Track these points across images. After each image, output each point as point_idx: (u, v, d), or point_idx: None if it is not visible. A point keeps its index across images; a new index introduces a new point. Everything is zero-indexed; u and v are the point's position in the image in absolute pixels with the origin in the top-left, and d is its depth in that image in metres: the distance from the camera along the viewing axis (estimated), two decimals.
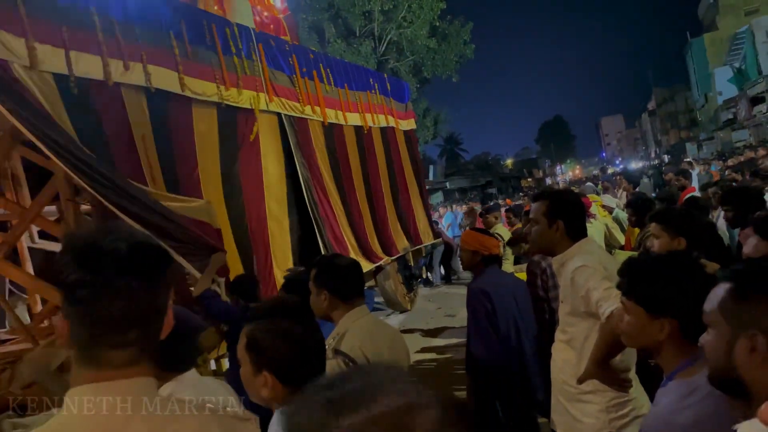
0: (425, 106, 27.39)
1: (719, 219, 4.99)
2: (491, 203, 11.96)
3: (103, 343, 1.05)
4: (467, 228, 6.86)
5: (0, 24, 3.48)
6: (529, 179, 48.75)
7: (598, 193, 9.60)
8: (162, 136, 4.70)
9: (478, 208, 12.81)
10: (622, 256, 4.19)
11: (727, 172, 8.08)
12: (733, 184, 6.45)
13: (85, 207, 4.48)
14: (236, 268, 5.12)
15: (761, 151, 13.06)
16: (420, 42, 23.73)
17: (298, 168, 6.67)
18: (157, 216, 3.95)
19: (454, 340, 7.53)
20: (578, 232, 2.65)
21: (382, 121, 9.36)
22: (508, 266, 6.03)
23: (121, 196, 3.81)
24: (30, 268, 5.28)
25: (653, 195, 8.79)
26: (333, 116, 7.68)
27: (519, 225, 6.68)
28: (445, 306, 10.27)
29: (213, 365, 4.87)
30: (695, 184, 10.66)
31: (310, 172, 6.89)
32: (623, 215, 6.59)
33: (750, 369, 1.16)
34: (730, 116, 38.84)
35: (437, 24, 24.13)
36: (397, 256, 8.86)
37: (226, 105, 5.51)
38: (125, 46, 4.36)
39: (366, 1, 22.19)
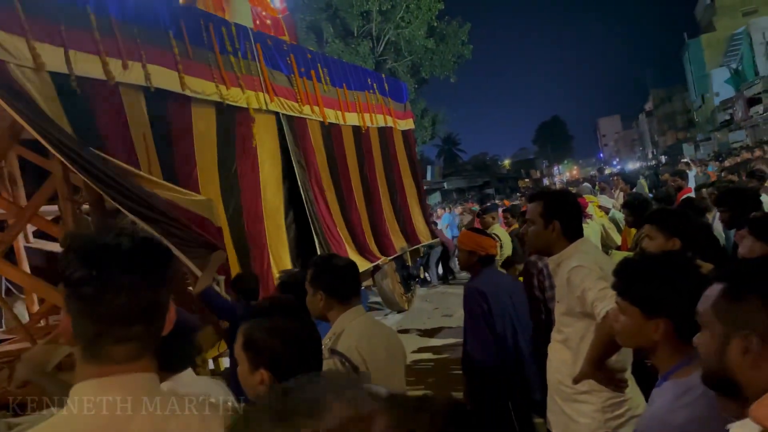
0: (423, 106, 27.39)
1: (715, 220, 5.00)
2: (489, 204, 11.98)
3: (108, 338, 1.06)
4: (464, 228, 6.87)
5: None
6: (527, 180, 48.80)
7: (595, 194, 9.62)
8: (161, 136, 4.71)
9: (475, 208, 12.84)
10: (619, 256, 4.20)
11: (723, 174, 8.09)
12: (729, 185, 6.46)
13: (83, 206, 4.48)
14: (234, 268, 5.13)
15: (758, 152, 13.09)
16: (418, 42, 23.73)
17: (295, 168, 6.67)
18: (158, 213, 3.96)
19: (451, 340, 7.54)
20: (575, 233, 2.65)
21: (380, 121, 9.37)
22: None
23: (122, 194, 3.82)
24: (26, 268, 5.28)
25: (650, 196, 8.80)
26: (331, 116, 7.68)
27: (516, 225, 6.69)
28: (442, 306, 10.28)
29: (211, 365, 4.88)
30: (692, 184, 10.69)
31: (307, 172, 6.89)
32: (620, 216, 6.60)
33: (743, 369, 1.16)
34: (727, 117, 38.94)
35: (435, 24, 24.13)
36: (395, 256, 8.87)
37: (225, 104, 5.52)
38: (124, 45, 4.36)
39: (364, 1, 22.17)
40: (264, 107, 6.18)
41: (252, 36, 6.25)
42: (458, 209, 16.93)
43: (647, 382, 2.21)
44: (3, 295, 5.27)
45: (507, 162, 70.22)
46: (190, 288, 4.43)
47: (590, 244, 2.82)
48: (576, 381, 2.37)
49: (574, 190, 10.93)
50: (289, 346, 1.59)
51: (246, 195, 5.75)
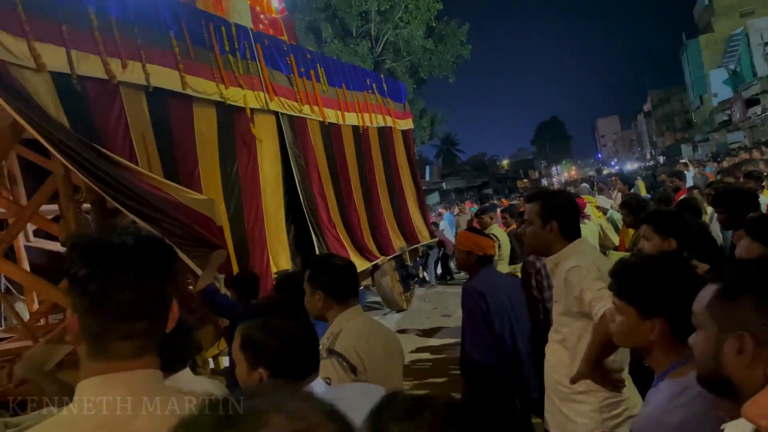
0: (422, 106, 27.42)
1: (713, 220, 5.01)
2: (488, 204, 12.00)
3: (113, 334, 1.07)
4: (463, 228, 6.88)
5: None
6: (525, 180, 48.78)
7: (593, 194, 9.64)
8: (163, 136, 4.73)
9: (474, 208, 12.85)
10: (616, 256, 4.21)
11: (719, 176, 8.11)
12: (726, 186, 6.46)
13: (84, 205, 4.49)
14: (235, 267, 5.15)
15: (756, 153, 13.11)
16: (417, 42, 23.75)
17: (294, 167, 6.69)
18: (158, 213, 3.97)
19: (449, 340, 7.55)
20: (572, 233, 2.66)
21: (379, 121, 9.39)
22: (503, 267, 6.05)
23: (122, 193, 3.82)
24: (26, 266, 5.30)
25: (647, 197, 8.82)
26: (331, 116, 7.70)
27: (514, 225, 6.71)
28: (440, 306, 10.29)
29: (211, 363, 4.89)
30: (690, 185, 10.71)
31: (307, 172, 6.91)
32: (617, 216, 6.62)
33: (738, 369, 1.17)
34: (725, 118, 38.98)
35: (434, 25, 24.15)
36: (393, 255, 8.89)
37: (225, 104, 5.54)
38: (125, 45, 4.37)
39: (363, 2, 22.18)
40: (264, 107, 6.20)
41: (252, 36, 6.27)
42: (455, 210, 16.95)
43: (644, 382, 2.22)
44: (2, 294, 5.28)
45: (505, 162, 70.26)
46: (191, 286, 4.44)
47: (588, 245, 2.83)
48: (573, 381, 2.38)
49: (572, 190, 10.95)
50: (286, 345, 1.60)
51: (246, 194, 5.78)
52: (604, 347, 2.19)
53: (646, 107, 74.00)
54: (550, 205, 2.67)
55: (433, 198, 29.19)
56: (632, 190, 11.14)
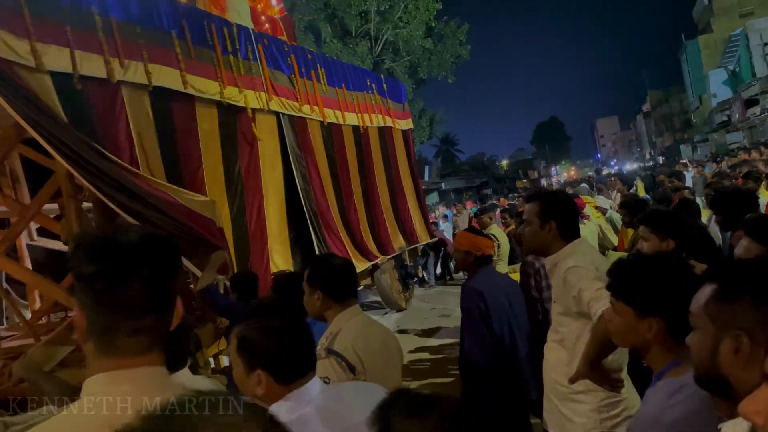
0: (421, 106, 27.42)
1: (711, 221, 5.01)
2: (488, 204, 12.00)
3: (121, 330, 1.08)
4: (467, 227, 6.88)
5: (3, 25, 3.50)
6: (525, 180, 48.77)
7: (592, 195, 9.65)
8: (165, 135, 4.75)
9: (475, 208, 12.85)
10: (615, 257, 4.21)
11: (715, 179, 8.12)
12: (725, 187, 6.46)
13: (86, 204, 4.50)
14: (236, 267, 5.16)
15: (755, 154, 13.12)
16: (416, 42, 23.73)
17: (294, 167, 6.70)
18: (158, 214, 3.97)
19: (448, 340, 7.55)
20: (571, 233, 2.67)
21: (379, 121, 9.41)
22: (502, 267, 6.06)
23: (122, 194, 3.83)
24: (29, 265, 5.32)
25: (646, 197, 8.83)
26: (331, 116, 7.72)
27: (513, 225, 6.72)
28: (439, 306, 10.29)
29: (212, 363, 4.89)
30: (689, 185, 10.72)
31: (307, 171, 6.93)
32: (616, 216, 6.62)
33: (735, 369, 1.17)
34: (725, 118, 39.00)
35: (433, 25, 24.12)
36: (393, 255, 8.90)
37: (227, 104, 5.56)
38: (128, 45, 4.39)
39: (362, 2, 22.17)
40: (265, 107, 6.22)
41: (253, 36, 6.30)
42: (453, 210, 16.98)
43: (643, 383, 2.22)
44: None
45: (505, 162, 70.23)
46: (192, 286, 4.45)
47: (587, 245, 2.83)
48: (572, 381, 2.38)
49: (571, 191, 10.97)
50: (283, 345, 1.59)
51: (249, 194, 5.81)
52: (603, 347, 2.19)
53: (646, 108, 74.06)
54: (549, 205, 2.67)
55: (432, 198, 29.21)
56: (631, 191, 11.15)
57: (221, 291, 4.73)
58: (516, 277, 4.50)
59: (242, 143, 5.84)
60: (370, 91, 9.19)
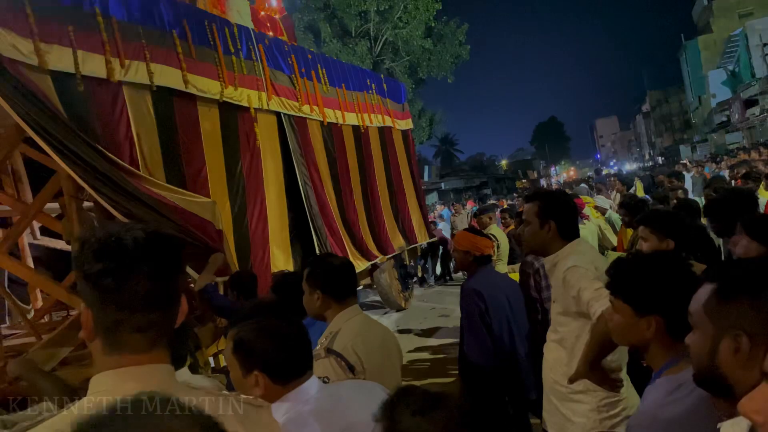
0: (420, 106, 27.43)
1: None
2: (488, 203, 12.01)
3: (127, 326, 1.09)
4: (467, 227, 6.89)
5: (6, 24, 3.51)
6: (524, 180, 48.77)
7: (592, 195, 9.65)
8: (168, 135, 4.76)
9: (476, 207, 12.85)
10: (615, 257, 4.22)
11: (706, 190, 8.10)
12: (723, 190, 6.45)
13: (87, 203, 4.51)
14: (236, 267, 5.16)
15: (754, 154, 13.13)
16: (415, 42, 23.74)
17: (296, 166, 6.72)
18: (156, 215, 3.98)
19: (448, 340, 7.56)
20: (570, 233, 2.67)
21: (379, 120, 9.42)
22: (501, 267, 6.06)
23: (120, 196, 3.83)
24: (30, 263, 5.33)
25: (646, 197, 8.84)
26: (331, 116, 7.74)
27: (512, 226, 6.72)
28: (439, 306, 10.30)
29: (212, 362, 4.89)
30: (689, 186, 10.73)
31: (307, 171, 6.94)
32: (616, 216, 6.64)
33: (734, 369, 1.17)
34: (724, 119, 38.99)
35: (433, 25, 24.14)
36: (393, 255, 8.90)
37: (228, 103, 5.58)
38: (129, 45, 4.41)
39: (362, 2, 22.18)
40: (265, 107, 6.23)
41: (254, 36, 6.31)
42: (452, 209, 16.99)
43: (642, 382, 2.22)
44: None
45: (504, 162, 70.13)
46: (192, 285, 4.46)
47: (586, 245, 2.83)
48: (571, 380, 2.38)
49: (569, 191, 10.97)
50: (279, 344, 1.59)
51: (250, 193, 5.82)
52: (602, 347, 2.20)
53: (645, 108, 74.01)
54: (548, 205, 2.67)
55: (432, 198, 29.22)
56: (630, 191, 11.16)
57: (221, 291, 4.73)
58: (515, 276, 4.50)
59: (244, 143, 5.87)
60: (370, 91, 9.21)
